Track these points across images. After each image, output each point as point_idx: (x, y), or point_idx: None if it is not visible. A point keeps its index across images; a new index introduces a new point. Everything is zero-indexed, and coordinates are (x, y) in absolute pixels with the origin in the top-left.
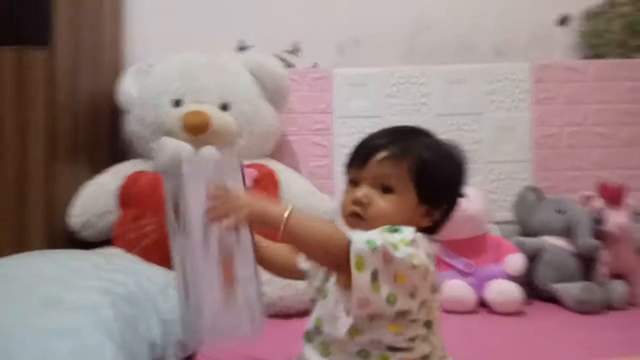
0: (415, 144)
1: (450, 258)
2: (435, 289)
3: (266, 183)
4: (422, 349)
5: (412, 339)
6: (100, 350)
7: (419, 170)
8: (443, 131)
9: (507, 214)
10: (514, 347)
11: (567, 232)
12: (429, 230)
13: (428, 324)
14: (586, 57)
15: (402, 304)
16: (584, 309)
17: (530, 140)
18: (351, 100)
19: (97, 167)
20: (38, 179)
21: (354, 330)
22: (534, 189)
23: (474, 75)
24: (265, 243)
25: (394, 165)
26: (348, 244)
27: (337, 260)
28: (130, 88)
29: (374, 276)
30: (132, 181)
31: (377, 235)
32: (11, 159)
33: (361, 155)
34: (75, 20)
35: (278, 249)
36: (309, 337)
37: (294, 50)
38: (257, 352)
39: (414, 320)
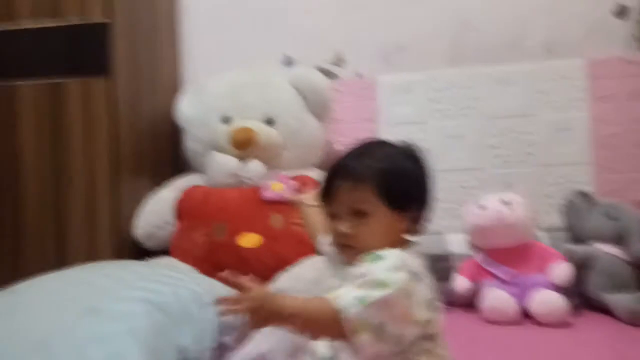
0: (371, 162)
1: (491, 266)
2: (433, 302)
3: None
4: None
5: (418, 354)
6: (128, 355)
7: (381, 186)
8: (494, 134)
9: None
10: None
11: (619, 239)
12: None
13: (432, 337)
14: None
15: (410, 334)
16: (637, 320)
17: (589, 140)
18: (396, 107)
19: (160, 181)
20: (104, 195)
21: None
22: (584, 194)
23: (524, 74)
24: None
25: (358, 191)
26: (338, 313)
27: (337, 332)
28: (186, 107)
29: (379, 330)
30: (187, 195)
31: (363, 289)
32: (80, 178)
33: (328, 189)
34: (133, 48)
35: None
36: None
37: (338, 61)
38: None
39: (422, 340)
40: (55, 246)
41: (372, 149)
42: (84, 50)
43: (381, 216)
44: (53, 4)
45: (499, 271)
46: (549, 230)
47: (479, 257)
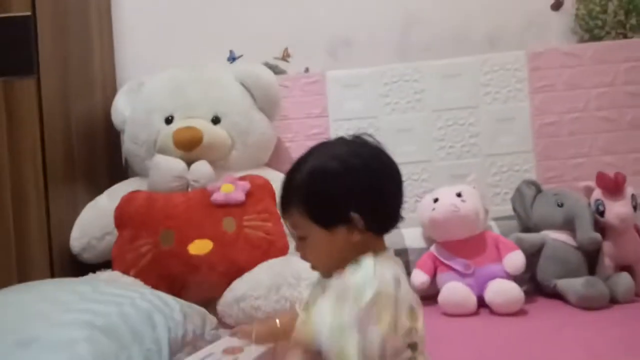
0: (295, 182)
1: (448, 259)
2: (413, 309)
3: (261, 194)
4: None
5: None
6: None
7: (304, 208)
8: (440, 127)
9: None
10: (514, 349)
11: (568, 225)
12: (378, 230)
13: (413, 346)
14: (583, 41)
15: (392, 345)
16: (588, 304)
17: (530, 130)
18: (345, 103)
19: (97, 188)
20: (35, 204)
21: None
22: (531, 182)
23: (468, 67)
24: None
25: (288, 217)
26: (316, 344)
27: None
28: (122, 107)
29: (362, 349)
30: (127, 201)
31: (338, 305)
32: (6, 187)
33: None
34: (61, 47)
35: None
36: None
37: (284, 56)
38: None
39: (393, 354)
40: None
41: (303, 160)
42: (4, 47)
43: (317, 236)
44: None
45: (455, 263)
46: (497, 219)
47: (435, 250)
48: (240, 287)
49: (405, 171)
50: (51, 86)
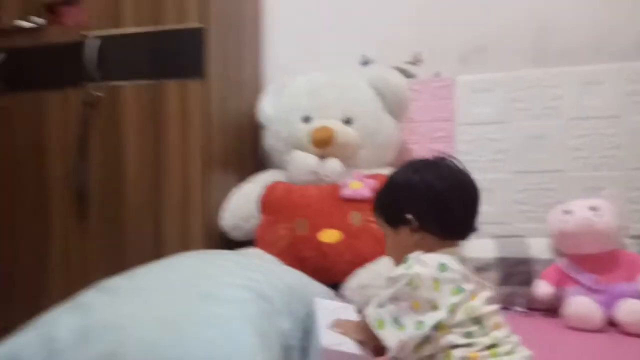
0: (379, 189)
1: (576, 273)
2: (461, 288)
3: None
4: (482, 341)
5: (468, 336)
6: (246, 337)
7: (378, 209)
8: (576, 136)
9: None
10: None
11: None
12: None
13: (477, 320)
14: None
15: (429, 321)
16: None
17: None
18: (474, 107)
19: (243, 176)
20: (197, 188)
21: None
22: None
23: (611, 75)
24: None
25: (376, 216)
26: (365, 320)
27: (374, 336)
28: (267, 107)
29: (397, 321)
30: (270, 190)
31: (381, 293)
32: (176, 173)
33: None
34: (223, 51)
35: None
36: None
37: (415, 61)
38: None
39: (456, 325)
40: (153, 235)
41: (388, 176)
42: (181, 54)
43: (388, 233)
44: (154, 11)
45: (584, 278)
46: (635, 237)
47: (562, 263)
48: (363, 275)
49: (533, 180)
50: (214, 88)
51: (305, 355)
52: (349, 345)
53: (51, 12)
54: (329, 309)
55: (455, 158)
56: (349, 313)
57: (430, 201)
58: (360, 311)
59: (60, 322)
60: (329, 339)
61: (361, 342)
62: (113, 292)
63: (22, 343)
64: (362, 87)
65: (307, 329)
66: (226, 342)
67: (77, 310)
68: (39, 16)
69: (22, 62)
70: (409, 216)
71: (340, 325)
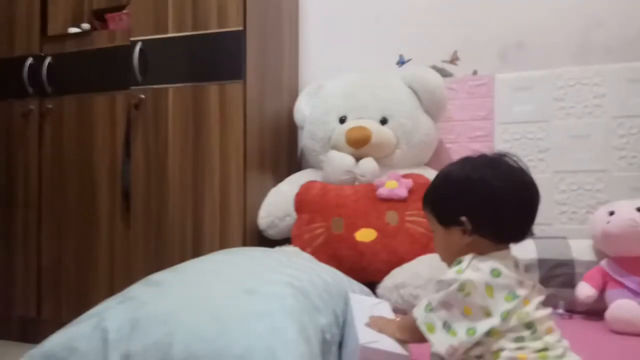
0: (431, 185)
1: (620, 276)
2: (515, 294)
3: (423, 192)
4: (533, 345)
5: (520, 340)
6: (287, 331)
7: (430, 207)
8: (621, 134)
9: None
10: None
11: None
12: (492, 238)
13: (529, 325)
14: None
15: (482, 328)
16: None
17: None
18: (514, 106)
19: (280, 176)
20: (236, 187)
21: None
22: None
23: None
24: None
25: (426, 212)
26: (415, 321)
27: (420, 336)
28: (303, 108)
29: (447, 326)
30: (305, 189)
31: (431, 296)
32: (216, 172)
33: None
34: (261, 54)
35: None
36: None
37: (453, 60)
38: None
39: (508, 330)
40: (192, 232)
41: (446, 166)
42: (221, 57)
43: (438, 231)
44: (195, 16)
45: (629, 281)
46: None
47: (606, 265)
48: (400, 275)
49: (576, 180)
50: (253, 89)
51: (340, 350)
52: (386, 343)
53: (98, 19)
54: (365, 306)
55: (515, 156)
56: (385, 310)
57: (487, 203)
58: (395, 310)
59: (112, 314)
60: (366, 336)
61: (399, 341)
62: (161, 286)
63: (77, 333)
64: (398, 87)
65: (342, 325)
66: (270, 335)
67: (128, 303)
68: (86, 23)
69: (70, 66)
70: (463, 218)
71: (376, 322)
